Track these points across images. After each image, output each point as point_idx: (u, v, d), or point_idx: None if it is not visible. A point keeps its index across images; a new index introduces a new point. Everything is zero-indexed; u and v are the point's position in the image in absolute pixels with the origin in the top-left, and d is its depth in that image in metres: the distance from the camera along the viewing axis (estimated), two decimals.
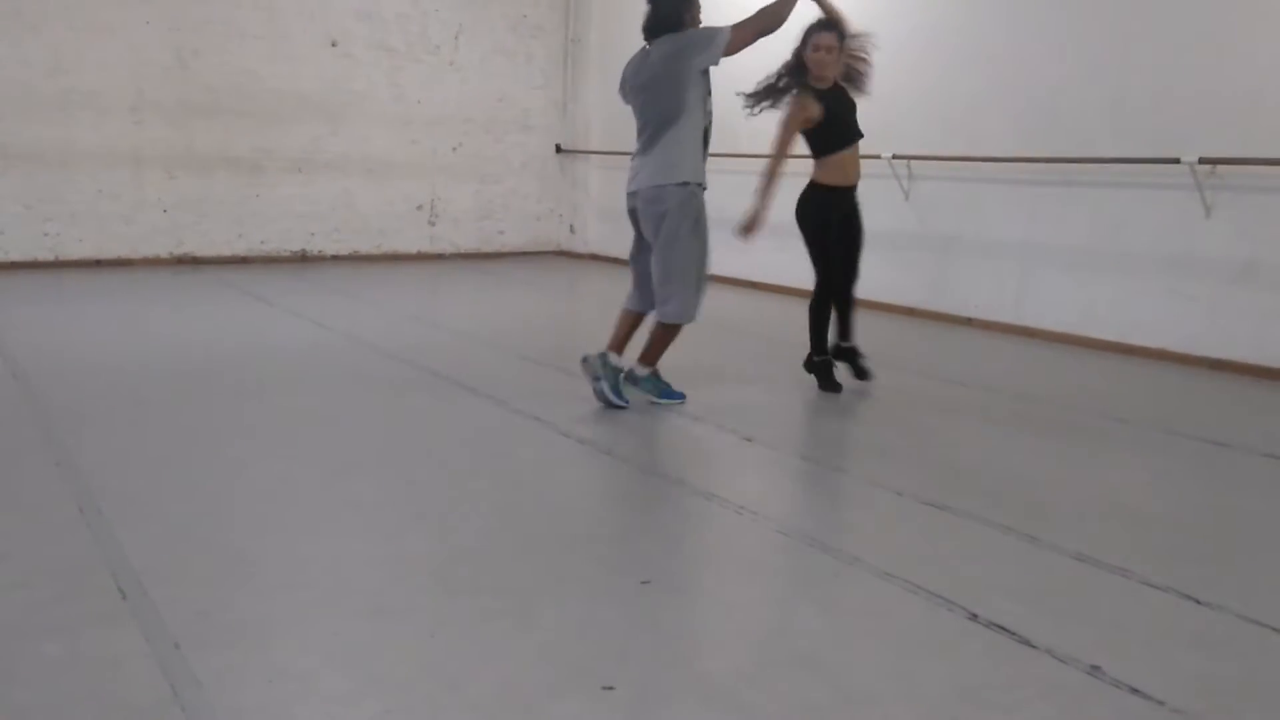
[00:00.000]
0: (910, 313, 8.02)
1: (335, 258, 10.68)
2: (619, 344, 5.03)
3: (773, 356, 6.26)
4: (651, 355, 4.97)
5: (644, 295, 5.07)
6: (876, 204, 8.09)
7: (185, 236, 9.90)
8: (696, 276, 4.83)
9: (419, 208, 11.17)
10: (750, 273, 8.94)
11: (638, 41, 4.98)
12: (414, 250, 11.18)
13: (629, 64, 5.05)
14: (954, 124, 7.67)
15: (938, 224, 7.92)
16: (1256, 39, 6.05)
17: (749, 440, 4.51)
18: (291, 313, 7.42)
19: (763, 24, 4.64)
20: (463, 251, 11.47)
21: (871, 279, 8.43)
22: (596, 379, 4.89)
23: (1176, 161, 6.27)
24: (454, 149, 11.27)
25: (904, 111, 7.89)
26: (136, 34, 9.43)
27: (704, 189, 4.85)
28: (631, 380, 4.98)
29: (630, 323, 5.09)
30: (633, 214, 5.04)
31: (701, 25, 4.82)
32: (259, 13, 9.98)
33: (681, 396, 5.03)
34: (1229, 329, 6.27)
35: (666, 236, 4.75)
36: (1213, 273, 6.33)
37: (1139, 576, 3.08)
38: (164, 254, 9.82)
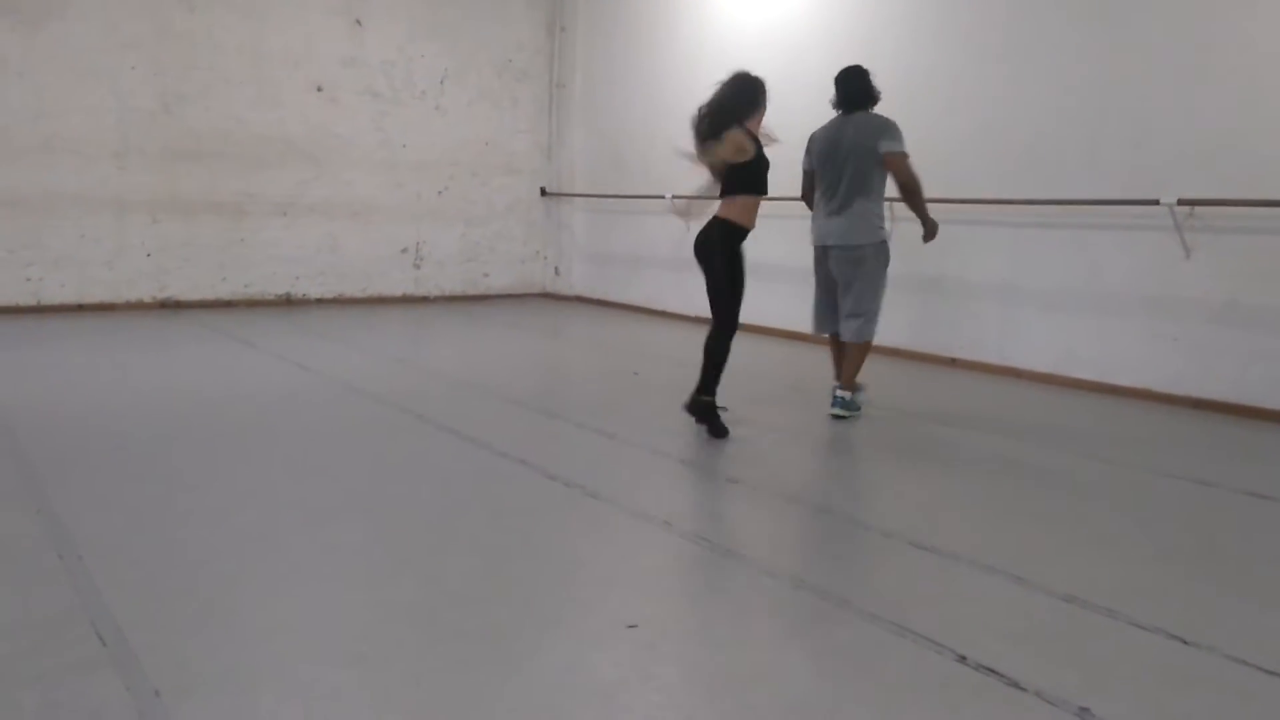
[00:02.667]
0: (895, 354, 8.05)
1: (320, 301, 10.67)
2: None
3: (757, 397, 6.26)
4: (852, 374, 5.81)
5: (830, 321, 5.99)
6: None
7: (168, 281, 9.89)
8: (880, 306, 5.90)
9: (404, 251, 11.19)
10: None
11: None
12: (399, 293, 11.18)
13: (824, 131, 5.85)
14: (934, 168, 7.69)
15: (920, 266, 7.97)
16: (1233, 81, 6.15)
17: (734, 481, 4.51)
18: (275, 356, 7.40)
19: (909, 181, 5.69)
20: (448, 294, 11.49)
21: None
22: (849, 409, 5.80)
23: (1156, 203, 6.35)
24: (439, 192, 11.32)
25: None
26: (122, 80, 9.47)
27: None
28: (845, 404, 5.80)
29: (837, 344, 6.00)
30: (824, 257, 5.90)
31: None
32: (244, 59, 10.04)
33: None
34: (1210, 368, 6.31)
35: (867, 277, 5.76)
36: (1193, 313, 6.39)
37: (1127, 617, 3.08)
38: (147, 298, 9.80)
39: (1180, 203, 6.26)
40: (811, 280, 6.04)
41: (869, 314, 5.77)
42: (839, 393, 5.80)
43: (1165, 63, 6.46)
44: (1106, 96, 6.75)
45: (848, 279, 5.78)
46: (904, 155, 5.65)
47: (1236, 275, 6.19)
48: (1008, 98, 7.31)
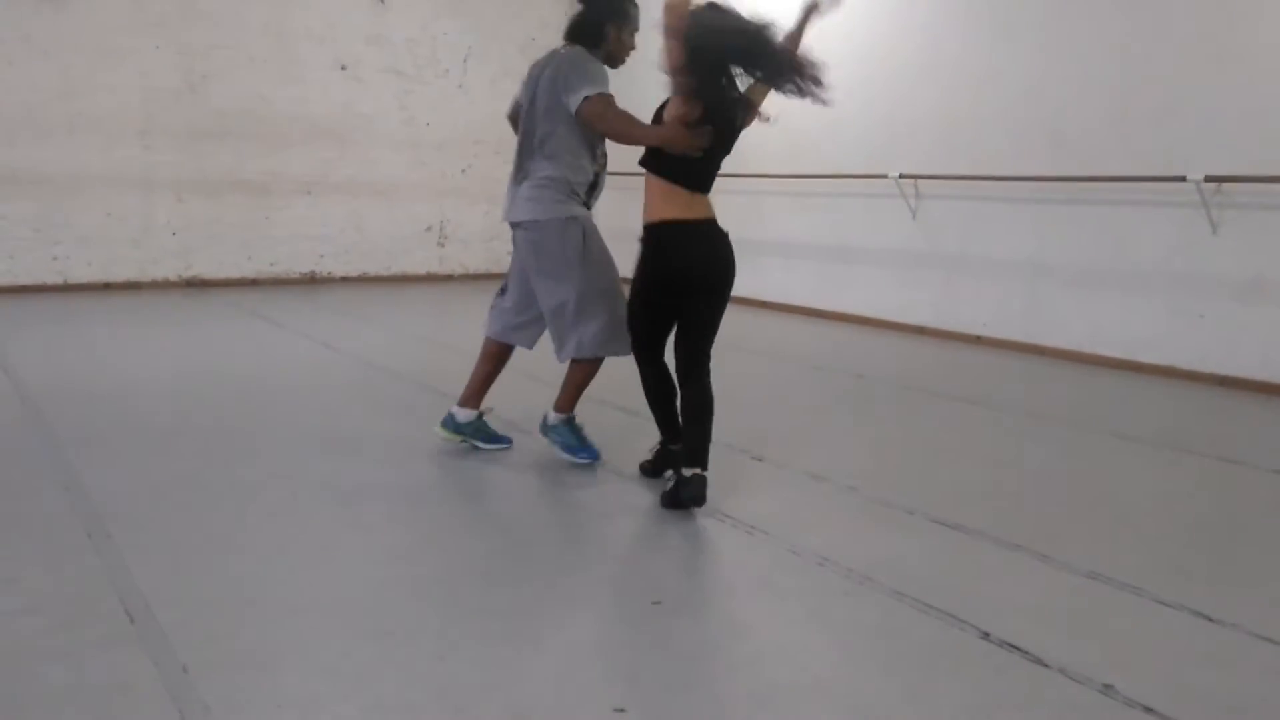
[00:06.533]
0: (920, 331, 8.01)
1: (344, 279, 10.71)
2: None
3: (766, 376, 6.26)
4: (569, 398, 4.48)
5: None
6: (885, 223, 8.10)
7: (194, 259, 9.94)
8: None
9: (428, 229, 11.20)
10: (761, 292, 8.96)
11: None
12: (423, 271, 11.21)
13: (535, 64, 4.36)
14: (960, 143, 7.68)
15: (945, 242, 7.92)
16: (1262, 56, 6.05)
17: (759, 459, 4.50)
18: (300, 335, 7.44)
19: (621, 128, 4.19)
20: (472, 272, 11.50)
21: (880, 298, 8.49)
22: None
23: (1183, 179, 6.27)
24: (463, 170, 11.32)
25: (910, 131, 7.91)
26: (146, 58, 9.51)
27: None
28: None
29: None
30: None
31: (620, 55, 4.44)
32: (268, 37, 10.06)
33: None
34: (1236, 346, 6.25)
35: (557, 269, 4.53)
36: (1219, 290, 6.32)
37: (1151, 594, 3.06)
38: (173, 277, 9.86)
39: (1207, 179, 6.18)
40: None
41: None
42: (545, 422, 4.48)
43: (1192, 38, 6.36)
44: (1132, 72, 6.65)
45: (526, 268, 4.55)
46: (600, 99, 4.14)
47: (1263, 252, 6.11)
48: (1033, 74, 7.22)
